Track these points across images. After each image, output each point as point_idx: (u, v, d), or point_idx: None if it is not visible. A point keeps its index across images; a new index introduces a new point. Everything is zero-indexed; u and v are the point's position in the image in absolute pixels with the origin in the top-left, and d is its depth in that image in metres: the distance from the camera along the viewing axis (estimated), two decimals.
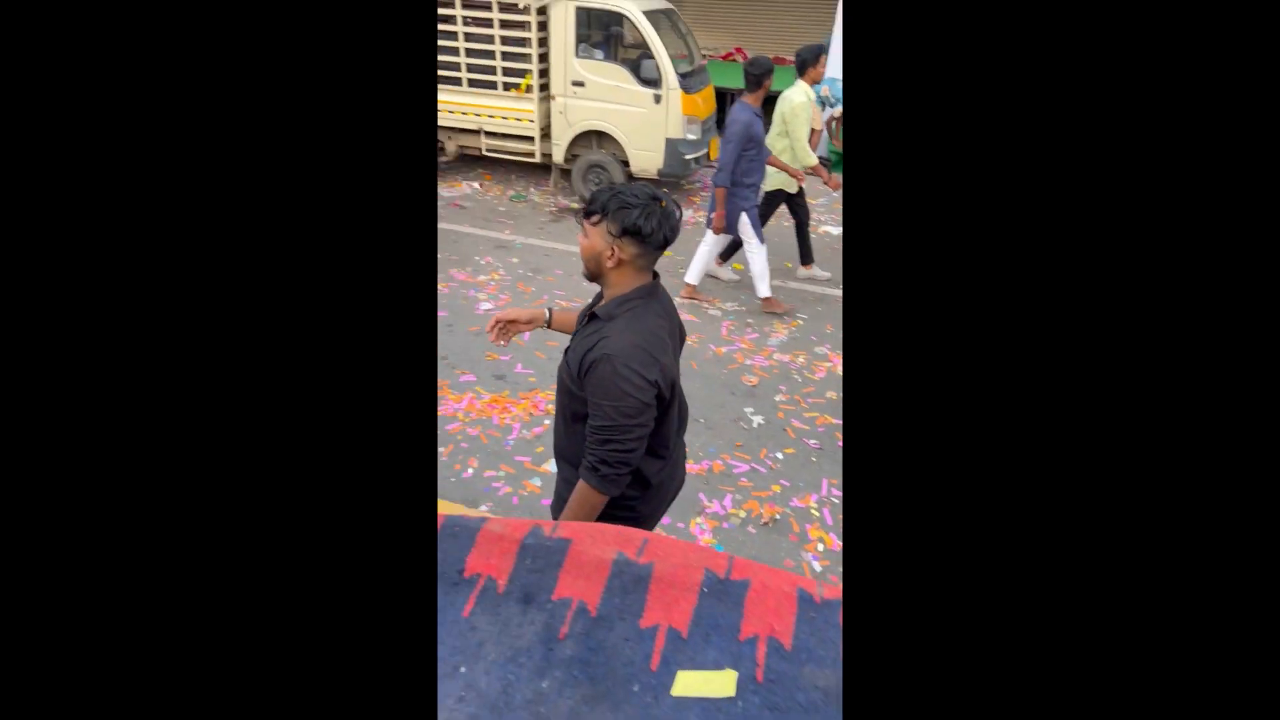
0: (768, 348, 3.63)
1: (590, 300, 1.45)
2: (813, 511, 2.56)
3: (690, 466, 2.67)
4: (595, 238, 1.27)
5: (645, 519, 1.47)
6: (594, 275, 1.34)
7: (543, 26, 5.10)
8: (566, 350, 1.38)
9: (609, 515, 1.37)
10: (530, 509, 2.49)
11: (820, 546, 2.40)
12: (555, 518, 1.47)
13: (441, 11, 5.21)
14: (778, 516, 2.51)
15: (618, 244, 1.26)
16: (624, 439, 1.25)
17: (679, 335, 1.44)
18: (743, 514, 2.52)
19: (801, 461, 2.81)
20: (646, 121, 5.09)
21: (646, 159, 5.20)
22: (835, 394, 3.24)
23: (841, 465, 2.74)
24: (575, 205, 5.48)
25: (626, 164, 5.29)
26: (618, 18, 5.05)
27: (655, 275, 1.37)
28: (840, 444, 2.87)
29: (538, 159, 5.57)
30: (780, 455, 2.84)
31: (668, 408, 1.36)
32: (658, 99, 5.00)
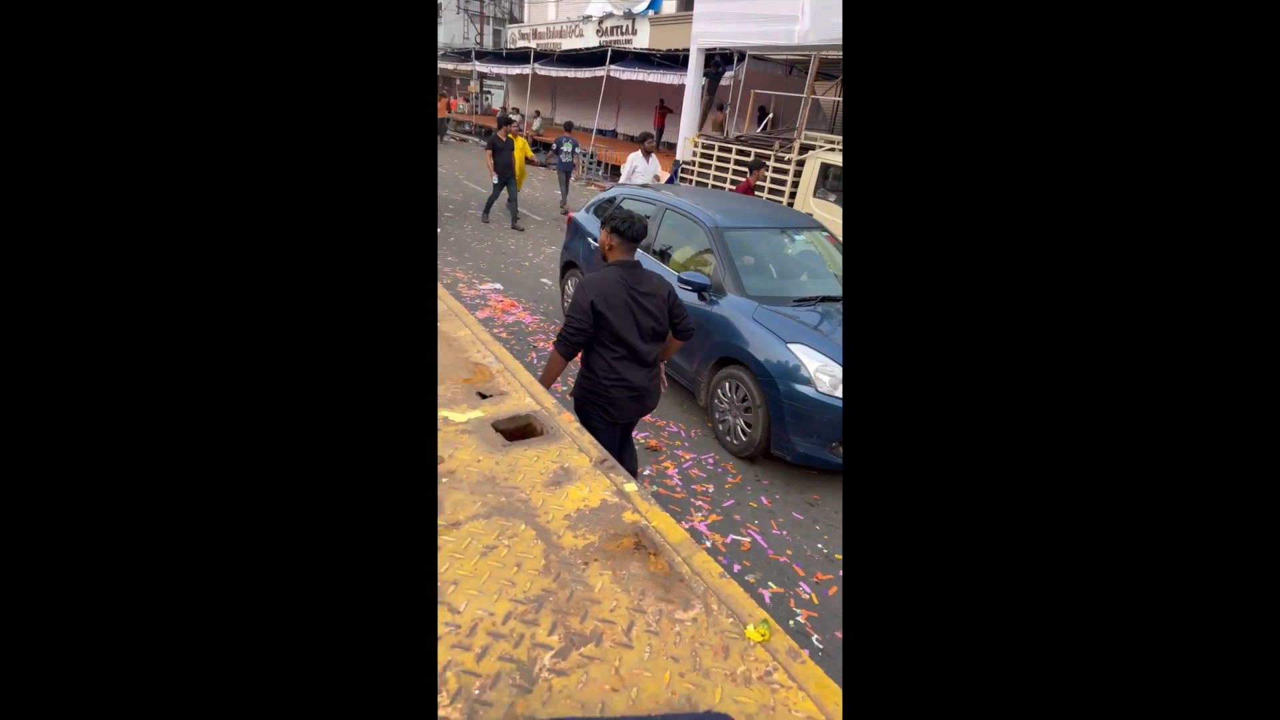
0: None
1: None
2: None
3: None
4: (602, 235, 2.32)
5: (615, 403, 2.31)
6: (604, 257, 2.34)
7: (799, 173, 6.70)
8: None
9: (595, 394, 2.31)
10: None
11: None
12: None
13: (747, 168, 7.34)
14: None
15: (609, 237, 2.29)
16: (569, 324, 2.21)
17: (647, 296, 2.26)
18: None
19: None
20: None
21: None
22: None
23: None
24: None
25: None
26: (840, 170, 6.28)
27: (638, 262, 2.31)
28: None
29: None
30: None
31: (608, 322, 2.21)
32: None
